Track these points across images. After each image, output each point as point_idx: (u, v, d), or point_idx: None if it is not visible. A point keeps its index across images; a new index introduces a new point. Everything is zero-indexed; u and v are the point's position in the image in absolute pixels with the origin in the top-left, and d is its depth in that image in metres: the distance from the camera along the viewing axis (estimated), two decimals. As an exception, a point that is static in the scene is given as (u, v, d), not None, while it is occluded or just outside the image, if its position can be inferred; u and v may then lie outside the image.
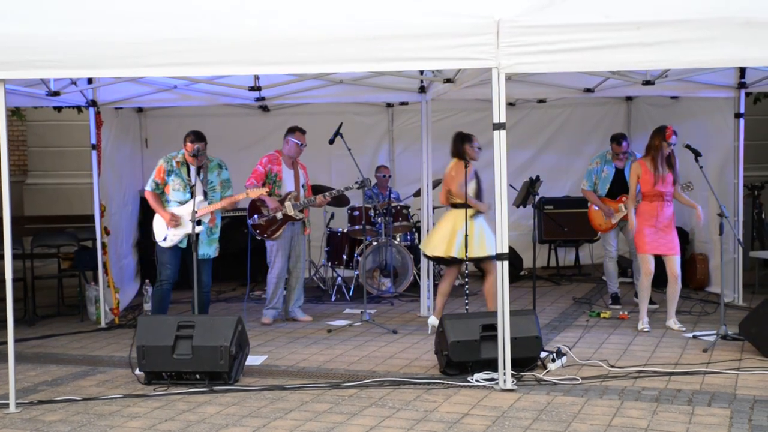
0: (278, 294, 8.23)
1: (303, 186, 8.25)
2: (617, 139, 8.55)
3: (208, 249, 7.43)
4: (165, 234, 7.36)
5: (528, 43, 5.48)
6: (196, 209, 7.04)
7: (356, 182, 8.16)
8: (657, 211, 7.31)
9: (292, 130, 8.20)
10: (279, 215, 7.99)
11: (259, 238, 8.14)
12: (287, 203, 8.02)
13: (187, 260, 7.22)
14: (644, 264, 7.38)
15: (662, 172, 7.32)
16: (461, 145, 7.41)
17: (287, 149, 8.16)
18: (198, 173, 7.36)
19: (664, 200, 7.32)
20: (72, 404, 5.56)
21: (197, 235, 7.17)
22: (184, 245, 7.34)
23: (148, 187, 7.43)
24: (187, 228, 7.19)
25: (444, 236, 7.30)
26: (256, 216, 8.04)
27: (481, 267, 7.44)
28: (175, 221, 7.27)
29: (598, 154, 8.76)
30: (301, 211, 8.15)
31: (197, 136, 7.31)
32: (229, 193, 7.53)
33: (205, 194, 7.39)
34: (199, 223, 7.23)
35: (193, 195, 7.25)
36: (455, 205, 7.33)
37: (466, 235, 7.10)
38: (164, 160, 7.41)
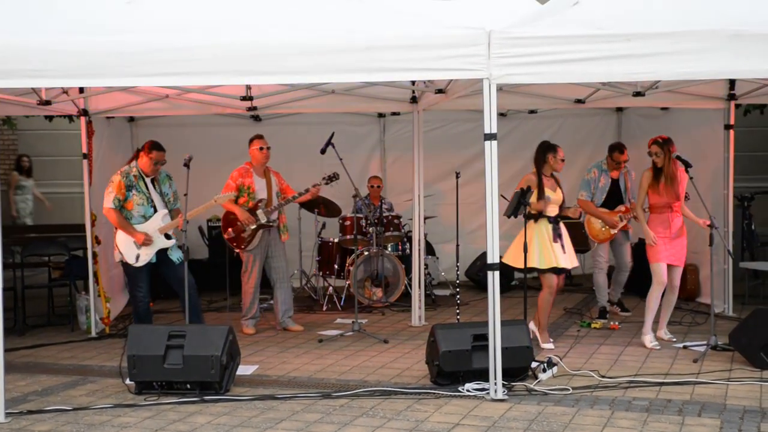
0: (256, 304, 8.22)
1: (277, 193, 8.22)
2: (619, 147, 8.52)
3: (178, 252, 7.37)
4: (136, 253, 7.23)
5: (519, 54, 5.52)
6: (162, 223, 7.06)
7: (324, 178, 8.17)
8: (668, 222, 7.26)
9: (251, 140, 8.22)
10: (252, 225, 7.98)
11: (236, 251, 8.12)
12: (258, 212, 8.01)
13: (160, 270, 7.27)
14: (657, 274, 7.19)
15: (665, 183, 7.26)
16: (544, 155, 7.35)
17: (254, 160, 8.17)
18: (153, 185, 7.31)
19: (672, 211, 7.28)
20: (62, 414, 5.54)
21: (167, 249, 7.22)
22: (154, 260, 7.29)
23: (111, 205, 7.21)
24: (158, 244, 7.19)
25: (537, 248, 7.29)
26: (230, 229, 8.02)
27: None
28: (149, 241, 7.18)
29: (594, 164, 8.69)
30: (275, 219, 8.16)
31: (157, 145, 7.26)
32: (177, 206, 7.48)
33: (165, 206, 7.34)
34: (168, 237, 7.25)
35: (155, 209, 7.24)
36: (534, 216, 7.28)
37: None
38: (122, 176, 7.26)
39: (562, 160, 7.36)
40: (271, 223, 8.09)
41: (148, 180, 7.31)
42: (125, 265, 7.35)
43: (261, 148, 8.12)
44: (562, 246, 7.25)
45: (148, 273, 7.36)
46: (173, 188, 7.48)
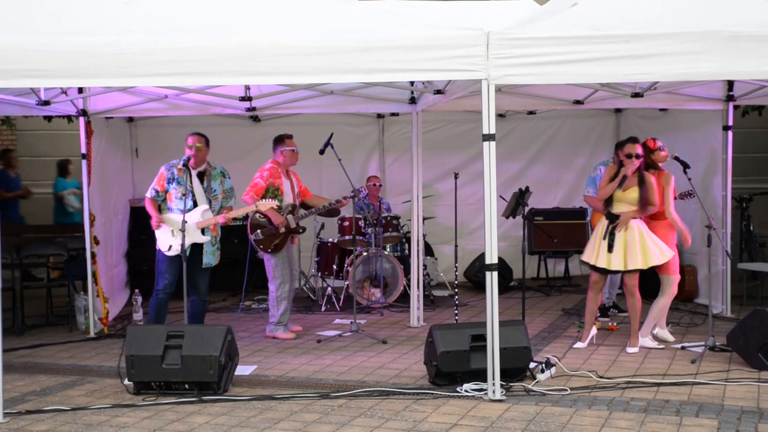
0: (288, 309, 8.06)
1: (297, 194, 8.23)
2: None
3: (212, 258, 7.34)
4: (170, 243, 7.17)
5: (517, 55, 5.52)
6: (201, 218, 6.98)
7: (352, 192, 8.16)
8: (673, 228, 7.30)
9: (281, 140, 8.09)
10: (282, 229, 7.96)
11: (260, 254, 8.02)
12: (288, 217, 7.96)
13: (188, 269, 7.15)
14: (672, 285, 7.19)
15: None
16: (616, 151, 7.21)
17: (284, 160, 8.05)
18: (201, 180, 7.26)
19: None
20: (60, 414, 5.55)
21: (202, 245, 7.18)
22: (187, 254, 7.13)
23: (148, 194, 7.28)
24: (194, 237, 7.11)
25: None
26: (258, 231, 7.90)
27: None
28: (159, 225, 7.13)
29: (600, 161, 8.67)
30: (304, 225, 8.18)
31: (195, 133, 7.22)
32: (232, 203, 7.43)
33: (209, 202, 7.30)
34: (203, 232, 7.21)
35: (195, 203, 7.19)
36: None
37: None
38: (165, 168, 7.26)
39: (628, 156, 6.96)
40: (299, 229, 8.06)
41: (194, 173, 7.23)
42: (159, 252, 7.30)
43: (294, 150, 8.08)
44: (609, 245, 6.99)
45: (177, 267, 7.19)
46: (226, 186, 7.37)
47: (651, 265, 6.99)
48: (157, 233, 7.30)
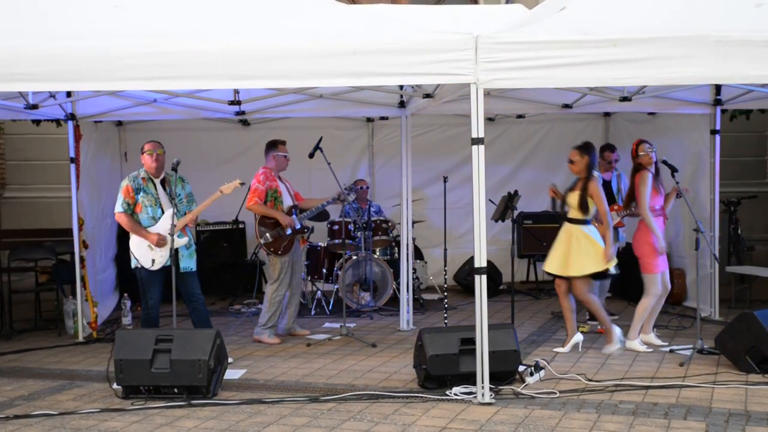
0: (281, 313, 8.08)
1: (292, 196, 8.21)
2: (610, 147, 8.56)
3: (190, 262, 7.29)
4: (152, 258, 7.06)
5: (506, 59, 5.54)
6: (174, 223, 6.90)
7: (346, 189, 8.18)
8: (662, 227, 7.30)
9: (274, 145, 8.05)
10: (288, 230, 7.91)
11: (269, 255, 7.97)
12: (293, 217, 7.96)
13: (175, 280, 7.08)
14: (655, 284, 7.19)
15: (657, 182, 7.32)
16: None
17: (275, 164, 8.02)
18: (163, 187, 7.19)
19: (662, 215, 7.34)
20: (48, 419, 5.53)
21: (177, 251, 7.12)
22: (168, 263, 7.04)
23: (120, 209, 7.09)
24: (175, 242, 7.01)
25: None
26: (267, 234, 7.85)
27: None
28: (163, 242, 6.99)
29: None
30: (309, 226, 8.21)
31: (150, 142, 7.15)
32: (192, 208, 7.36)
33: (176, 207, 7.23)
34: (181, 236, 7.16)
35: (163, 210, 7.13)
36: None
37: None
38: (129, 180, 7.15)
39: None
40: (305, 229, 8.06)
41: (157, 181, 7.18)
42: (139, 271, 7.15)
43: (285, 156, 8.03)
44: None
45: (162, 279, 7.13)
46: (187, 190, 7.30)
47: (569, 274, 7.10)
48: (135, 252, 7.13)
